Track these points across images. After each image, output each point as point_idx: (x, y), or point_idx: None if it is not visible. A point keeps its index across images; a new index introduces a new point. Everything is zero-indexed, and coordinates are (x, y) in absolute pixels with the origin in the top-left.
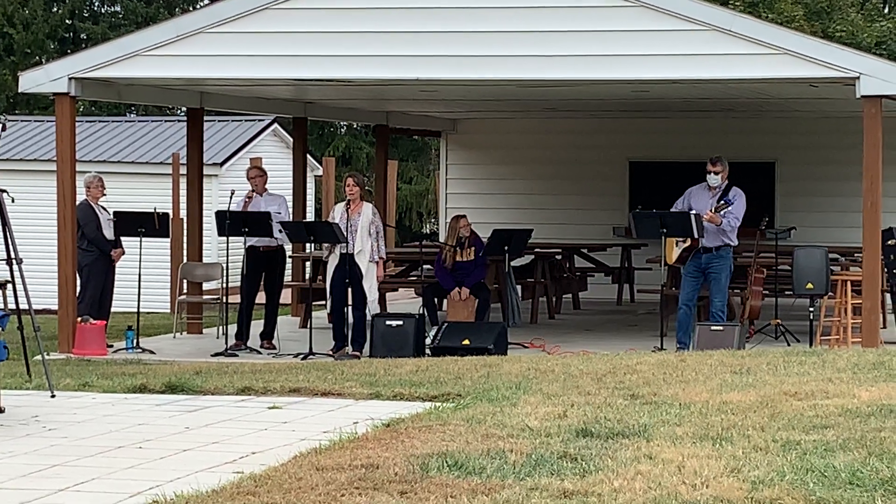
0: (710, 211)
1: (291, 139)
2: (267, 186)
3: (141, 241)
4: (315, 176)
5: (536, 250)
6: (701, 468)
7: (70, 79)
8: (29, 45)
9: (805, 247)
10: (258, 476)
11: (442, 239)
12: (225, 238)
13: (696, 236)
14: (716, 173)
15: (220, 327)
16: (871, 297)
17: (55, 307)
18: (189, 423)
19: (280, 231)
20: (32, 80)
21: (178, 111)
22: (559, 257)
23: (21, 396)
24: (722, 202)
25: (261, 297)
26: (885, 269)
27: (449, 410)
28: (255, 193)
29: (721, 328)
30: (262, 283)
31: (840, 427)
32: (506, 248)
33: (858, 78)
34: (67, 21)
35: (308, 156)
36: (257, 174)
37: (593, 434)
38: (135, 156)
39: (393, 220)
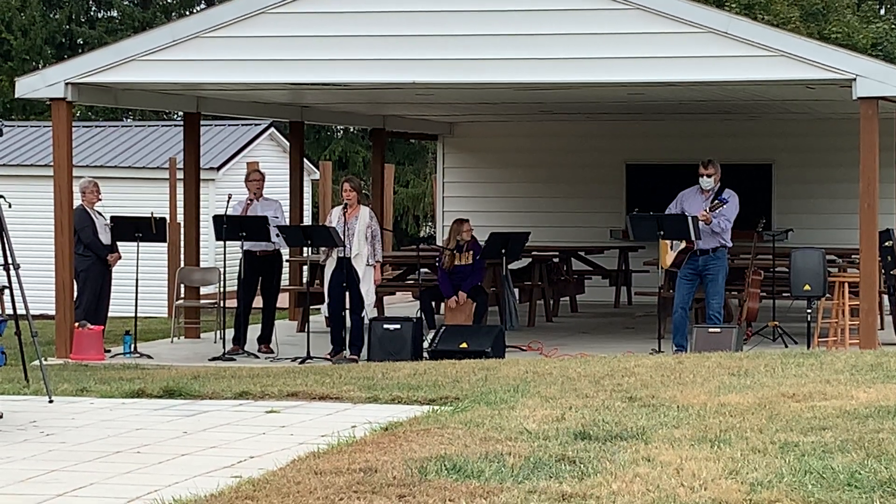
0: (705, 211)
1: (288, 143)
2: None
3: (138, 246)
4: (312, 180)
5: (534, 253)
6: (699, 470)
7: (67, 84)
8: (27, 51)
9: (802, 248)
10: (256, 480)
11: (440, 242)
12: (222, 242)
13: (692, 238)
14: (708, 176)
15: (218, 332)
16: (869, 299)
17: (52, 312)
18: (187, 427)
19: (277, 235)
20: (29, 86)
21: (175, 116)
22: (556, 260)
23: (19, 402)
24: (717, 201)
25: (258, 302)
26: (883, 271)
27: (447, 414)
28: (253, 199)
29: (719, 330)
30: (259, 287)
31: (838, 428)
32: (503, 251)
33: (855, 80)
34: (65, 26)
35: (305, 160)
36: (259, 178)
37: (591, 437)
38: (131, 160)
39: (390, 223)
